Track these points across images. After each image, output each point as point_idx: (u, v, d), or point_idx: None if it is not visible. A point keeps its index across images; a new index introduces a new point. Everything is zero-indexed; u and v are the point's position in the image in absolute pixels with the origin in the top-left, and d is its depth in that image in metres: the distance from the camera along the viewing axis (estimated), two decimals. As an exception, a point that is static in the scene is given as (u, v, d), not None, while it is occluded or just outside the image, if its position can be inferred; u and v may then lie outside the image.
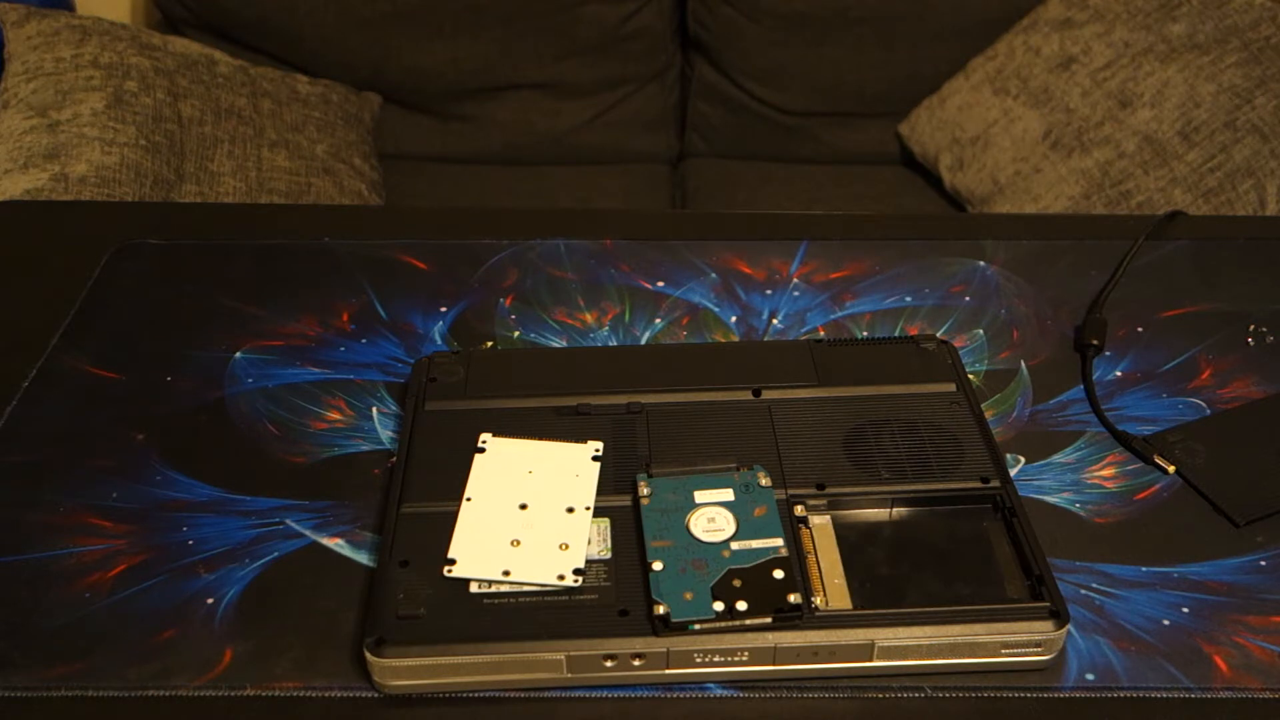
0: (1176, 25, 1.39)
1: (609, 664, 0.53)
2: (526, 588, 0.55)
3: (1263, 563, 0.61)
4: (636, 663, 0.53)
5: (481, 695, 0.54)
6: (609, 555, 0.57)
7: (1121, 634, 0.57)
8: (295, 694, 0.54)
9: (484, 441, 0.63)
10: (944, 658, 0.55)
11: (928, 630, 0.54)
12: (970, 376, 0.72)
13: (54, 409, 0.70)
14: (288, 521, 0.63)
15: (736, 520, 0.57)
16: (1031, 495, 0.65)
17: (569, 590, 0.55)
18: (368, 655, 0.53)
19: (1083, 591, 0.59)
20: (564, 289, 0.80)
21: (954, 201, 1.55)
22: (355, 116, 1.53)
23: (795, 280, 0.81)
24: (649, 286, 0.81)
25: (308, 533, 0.62)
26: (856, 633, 0.54)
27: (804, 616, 0.54)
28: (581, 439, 0.64)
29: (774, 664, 0.54)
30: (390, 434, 0.68)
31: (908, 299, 0.80)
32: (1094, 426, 0.69)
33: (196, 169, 1.33)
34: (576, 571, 0.56)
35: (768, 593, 0.54)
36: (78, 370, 0.73)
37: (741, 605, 0.53)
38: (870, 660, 0.54)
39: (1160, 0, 1.41)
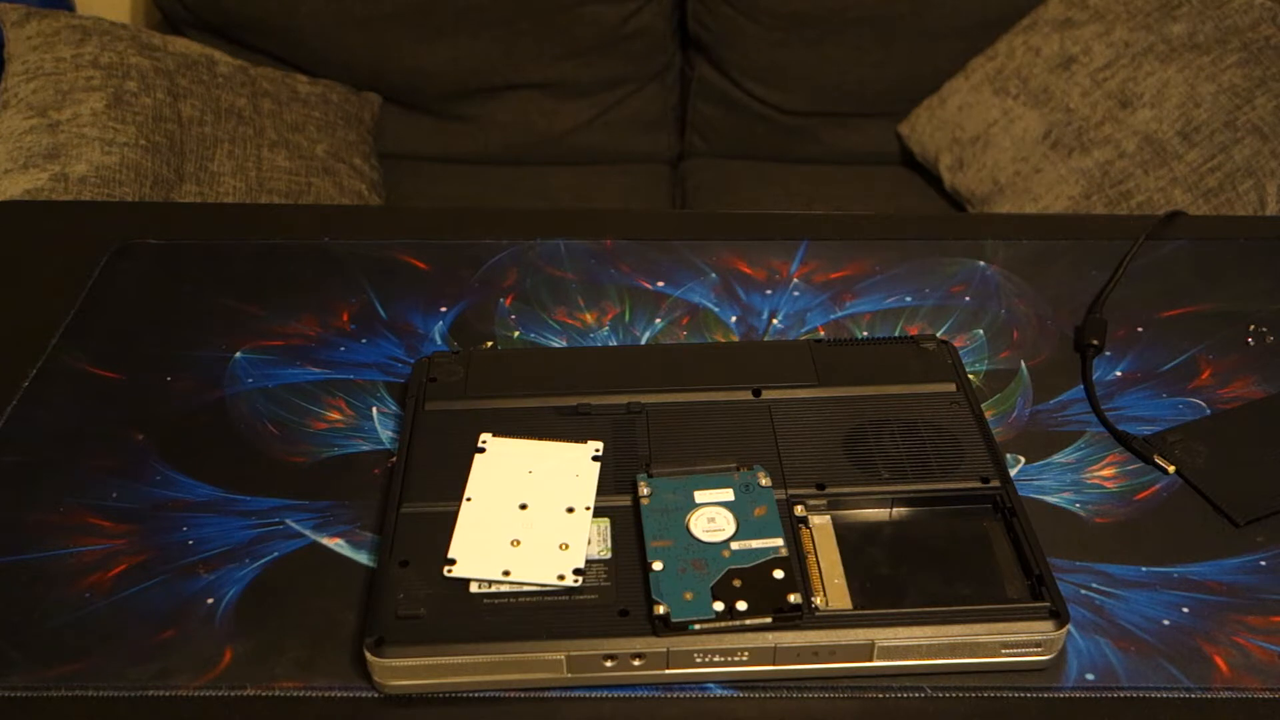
0: (1176, 25, 1.39)
1: (609, 664, 0.53)
2: (526, 588, 0.55)
3: (1263, 563, 0.61)
4: (636, 663, 0.53)
5: (481, 695, 0.54)
6: (609, 555, 0.57)
7: (1121, 634, 0.57)
8: (295, 694, 0.54)
9: (484, 441, 0.63)
10: (944, 658, 0.55)
11: (928, 630, 0.54)
12: (970, 376, 0.72)
13: (54, 409, 0.70)
14: (288, 521, 0.63)
15: (736, 520, 0.57)
16: (1031, 495, 0.65)
17: (569, 590, 0.55)
18: (368, 655, 0.53)
19: (1083, 591, 0.59)
20: (564, 289, 0.80)
21: (954, 201, 1.55)
22: (355, 116, 1.53)
23: (795, 280, 0.81)
24: (649, 286, 0.81)
25: (308, 533, 0.62)
26: (856, 633, 0.54)
27: (804, 616, 0.54)
28: (581, 439, 0.64)
29: (774, 664, 0.54)
30: (390, 434, 0.68)
31: (908, 299, 0.80)
32: (1094, 426, 0.69)
33: (196, 169, 1.33)
34: (576, 571, 0.56)
35: (768, 593, 0.54)
36: (78, 370, 0.73)
37: (741, 605, 0.53)
38: (870, 660, 0.54)
39: (1160, 0, 1.41)
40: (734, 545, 0.56)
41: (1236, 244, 0.85)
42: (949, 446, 0.63)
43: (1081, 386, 0.72)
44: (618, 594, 0.55)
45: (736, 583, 0.54)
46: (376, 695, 0.54)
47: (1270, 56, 1.33)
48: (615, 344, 0.76)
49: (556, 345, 0.76)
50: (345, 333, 0.76)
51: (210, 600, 0.58)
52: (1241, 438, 0.68)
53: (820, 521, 0.60)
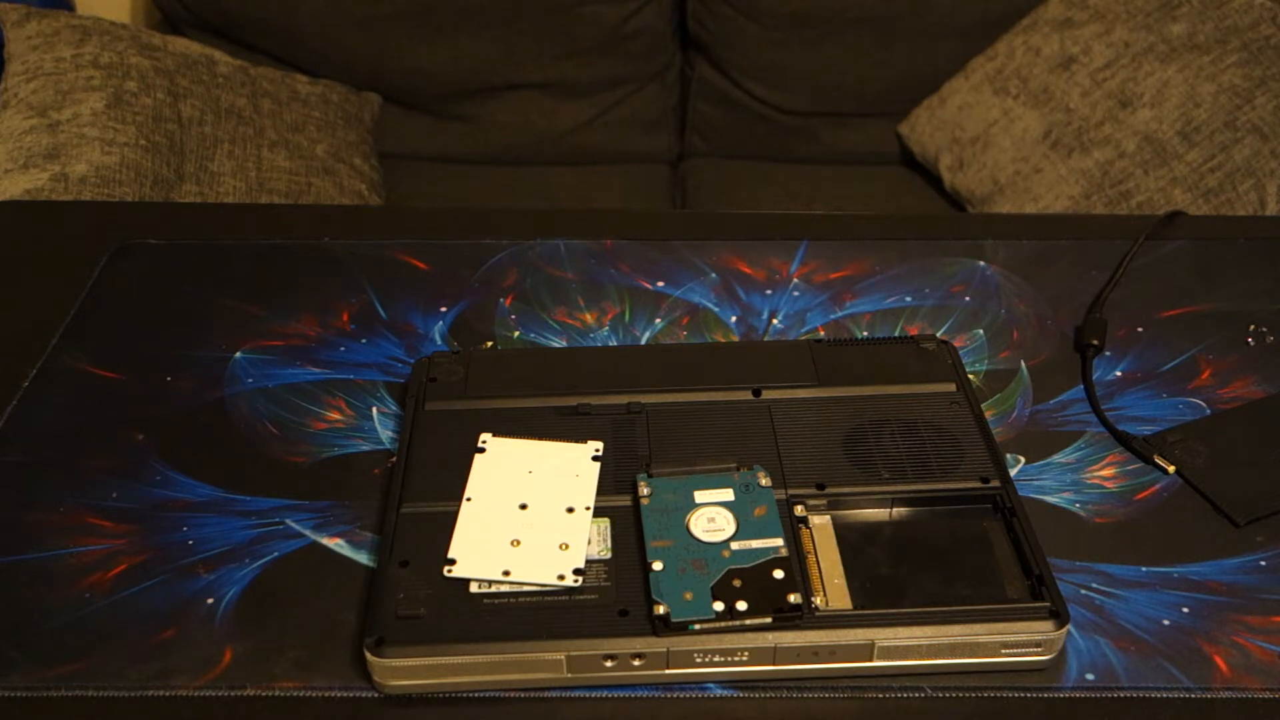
0: (1176, 25, 1.39)
1: (609, 664, 0.53)
2: (526, 588, 0.55)
3: (1263, 563, 0.61)
4: (636, 663, 0.53)
5: (481, 695, 0.54)
6: (609, 555, 0.57)
7: (1121, 634, 0.57)
8: (295, 694, 0.54)
9: (484, 441, 0.63)
10: (944, 658, 0.55)
11: (928, 630, 0.54)
12: (970, 376, 0.72)
13: (54, 409, 0.70)
14: (288, 521, 0.63)
15: (736, 520, 0.57)
16: (1031, 495, 0.65)
17: (569, 590, 0.55)
18: (368, 655, 0.53)
19: (1083, 591, 0.59)
20: (564, 289, 0.80)
21: (954, 201, 1.55)
22: (355, 116, 1.53)
23: (795, 280, 0.81)
24: (649, 286, 0.81)
25: (308, 533, 0.62)
26: (856, 633, 0.54)
27: (804, 616, 0.54)
28: (581, 439, 0.64)
29: (774, 664, 0.54)
30: (390, 434, 0.68)
31: (908, 299, 0.80)
32: (1094, 426, 0.69)
33: (196, 169, 1.33)
34: (576, 571, 0.56)
35: (768, 593, 0.54)
36: (78, 370, 0.73)
37: (741, 605, 0.53)
38: (870, 660, 0.54)
39: (1160, 0, 1.41)
40: (734, 545, 0.56)
41: (1236, 244, 0.85)
42: (949, 446, 0.63)
43: (1081, 386, 0.72)
44: (618, 594, 0.55)
45: (736, 583, 0.54)
46: (376, 695, 0.54)
47: (1270, 56, 1.33)
48: (615, 344, 0.76)
49: (556, 345, 0.76)
50: (345, 333, 0.76)
51: (210, 600, 0.58)
52: (1241, 438, 0.68)
53: (820, 521, 0.60)
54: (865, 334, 0.77)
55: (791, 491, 0.60)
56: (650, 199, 1.61)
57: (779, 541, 0.56)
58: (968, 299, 0.80)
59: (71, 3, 1.64)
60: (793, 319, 0.78)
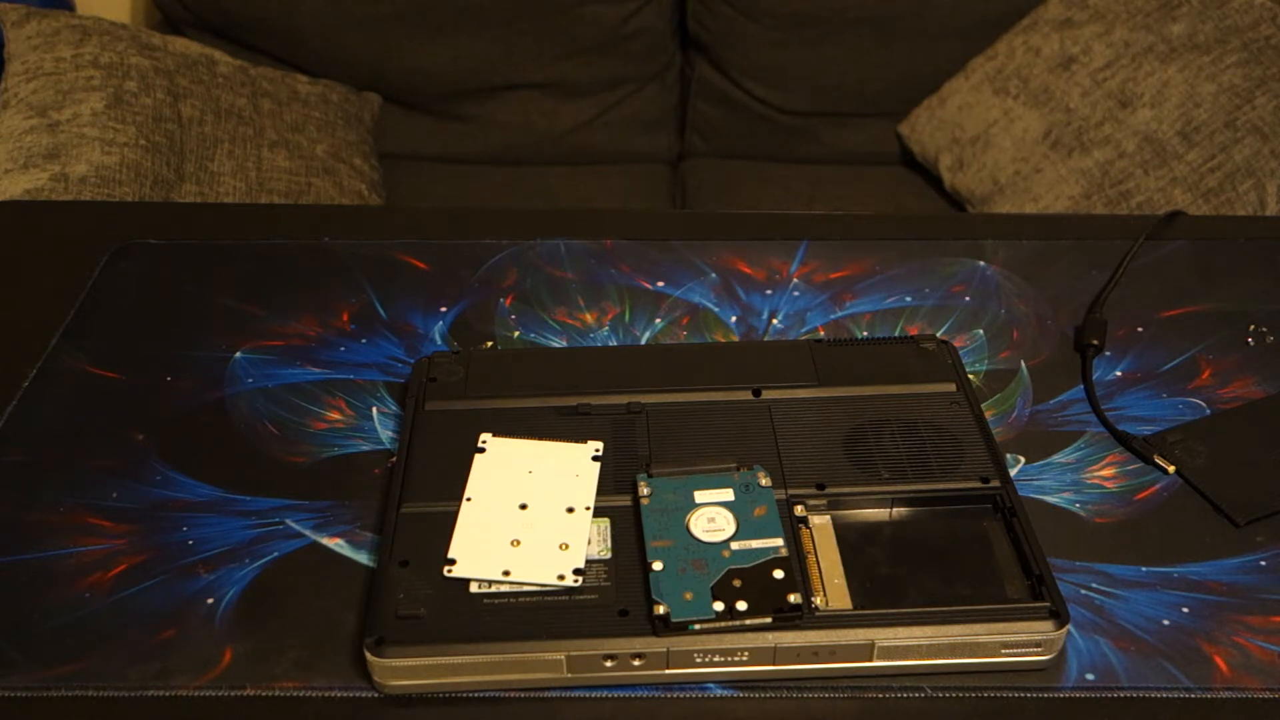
0: (1176, 25, 1.39)
1: (609, 664, 0.53)
2: (526, 588, 0.55)
3: (1263, 563, 0.61)
4: (636, 663, 0.53)
5: (481, 695, 0.54)
6: (609, 555, 0.57)
7: (1121, 634, 0.57)
8: (295, 694, 0.54)
9: (484, 441, 0.63)
10: (944, 658, 0.55)
11: (928, 630, 0.54)
12: (970, 376, 0.72)
13: (54, 409, 0.70)
14: (288, 521, 0.63)
15: (736, 520, 0.57)
16: (1031, 495, 0.65)
17: (569, 590, 0.55)
18: (368, 655, 0.53)
19: (1083, 591, 0.59)
20: (564, 289, 0.80)
21: (954, 201, 1.55)
22: (355, 116, 1.53)
23: (795, 280, 0.81)
24: (649, 286, 0.81)
25: (308, 533, 0.62)
26: (856, 633, 0.54)
27: (804, 616, 0.54)
28: (581, 439, 0.64)
29: (774, 664, 0.54)
30: (390, 434, 0.68)
31: (908, 299, 0.80)
32: (1094, 426, 0.69)
33: (196, 169, 1.33)
34: (576, 571, 0.56)
35: (768, 593, 0.54)
36: (78, 370, 0.73)
37: (741, 605, 0.53)
38: (870, 660, 0.54)
39: (1160, 0, 1.41)
40: (734, 545, 0.56)
41: (1236, 244, 0.85)
42: (949, 446, 0.63)
43: (1081, 386, 0.72)
44: (618, 594, 0.55)
45: (736, 583, 0.54)
46: (376, 695, 0.54)
47: (1270, 56, 1.33)
48: (615, 344, 0.76)
49: (556, 345, 0.76)
50: (345, 333, 0.76)
51: (210, 600, 0.58)
52: (1241, 438, 0.68)
53: (820, 521, 0.60)
54: (865, 334, 0.77)
55: (791, 491, 0.60)
56: (650, 199, 1.61)
57: (779, 541, 0.56)
58: (968, 299, 0.80)
59: (71, 3, 1.64)
60: (793, 319, 0.78)
